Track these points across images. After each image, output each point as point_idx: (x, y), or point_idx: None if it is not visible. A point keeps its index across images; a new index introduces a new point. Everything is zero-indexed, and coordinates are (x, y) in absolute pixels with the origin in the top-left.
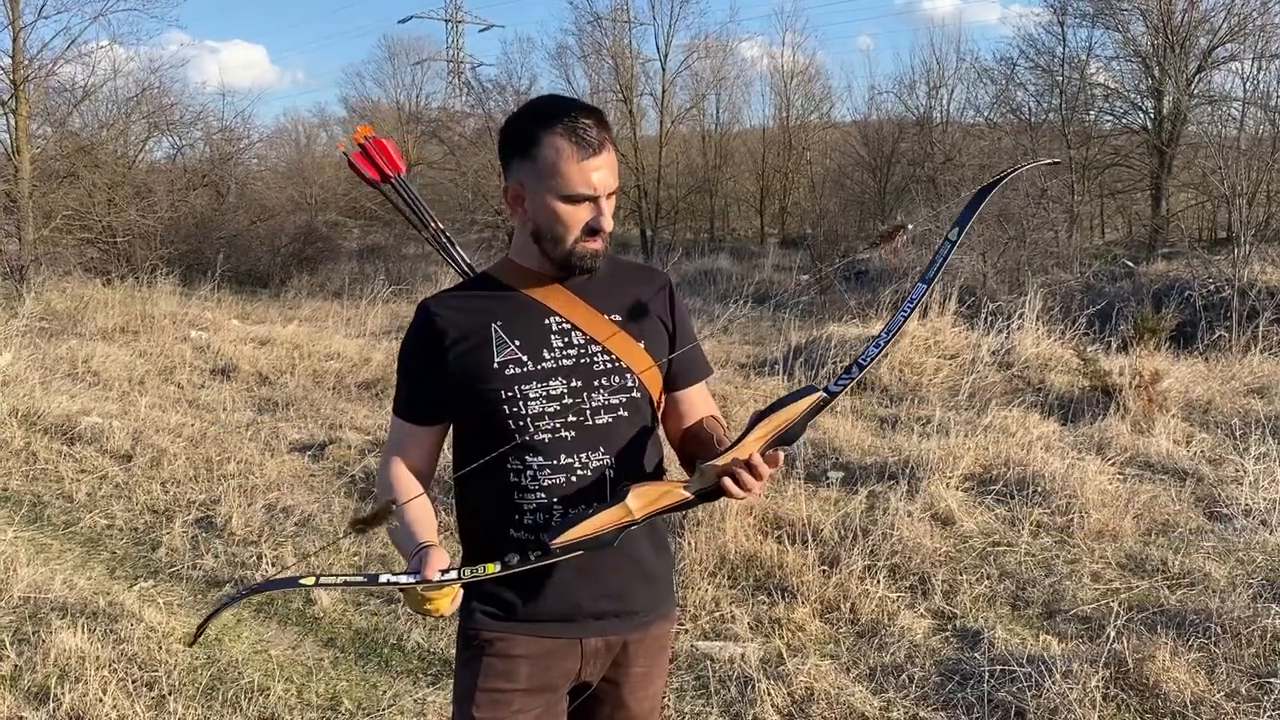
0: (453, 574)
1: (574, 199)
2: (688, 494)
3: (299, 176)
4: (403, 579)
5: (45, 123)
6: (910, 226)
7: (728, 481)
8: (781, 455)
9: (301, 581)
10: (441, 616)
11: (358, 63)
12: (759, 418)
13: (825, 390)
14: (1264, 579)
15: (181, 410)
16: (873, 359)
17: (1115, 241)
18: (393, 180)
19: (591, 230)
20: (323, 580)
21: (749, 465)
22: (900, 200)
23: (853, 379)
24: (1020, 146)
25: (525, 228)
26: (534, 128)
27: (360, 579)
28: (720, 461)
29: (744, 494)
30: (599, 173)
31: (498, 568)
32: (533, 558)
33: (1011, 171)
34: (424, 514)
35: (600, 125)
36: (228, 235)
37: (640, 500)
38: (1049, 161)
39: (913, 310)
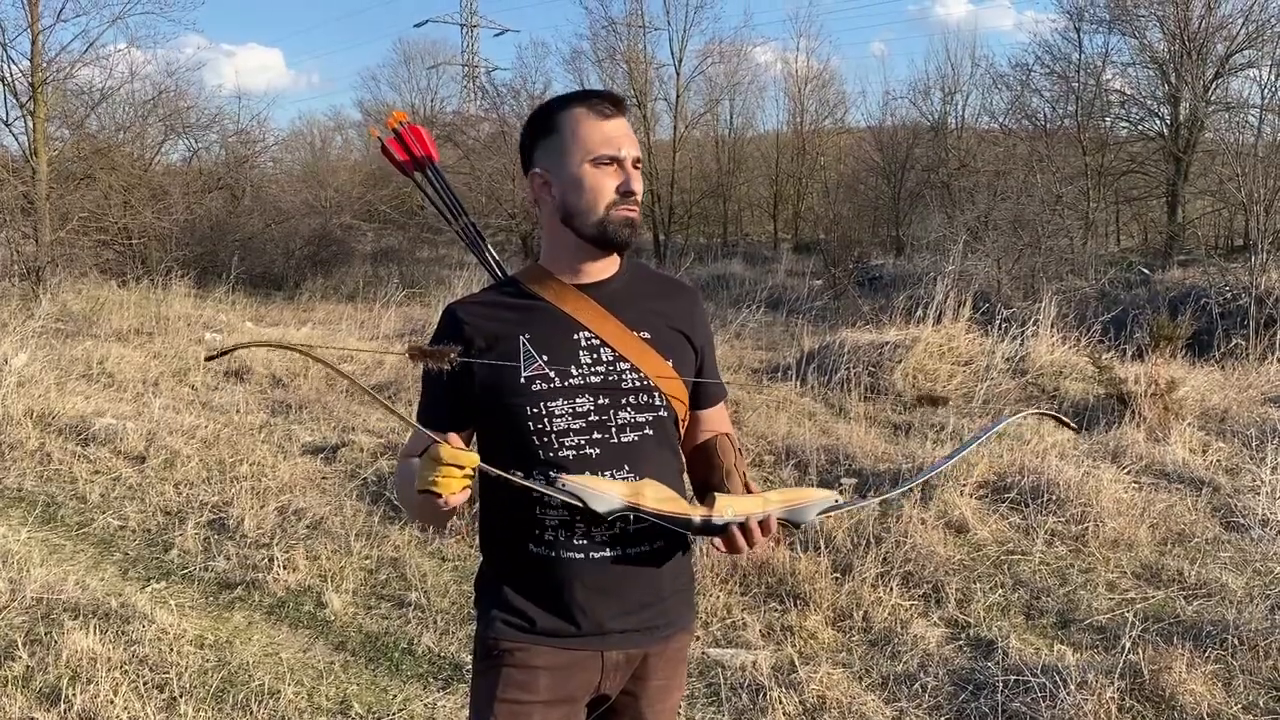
0: (477, 457)
1: (599, 160)
2: (696, 520)
3: (314, 180)
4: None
5: (63, 125)
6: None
7: (736, 530)
8: (776, 527)
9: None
10: (445, 504)
11: (373, 66)
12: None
13: (836, 502)
14: None
15: (195, 412)
16: (882, 498)
17: (1131, 249)
18: (426, 169)
19: (624, 193)
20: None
21: (762, 524)
22: (914, 206)
23: (859, 505)
24: (1035, 153)
25: (554, 219)
26: (553, 110)
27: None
28: (741, 506)
29: (743, 548)
30: (620, 135)
31: (519, 477)
32: (542, 482)
33: (1037, 413)
34: None
35: (615, 101)
36: (242, 238)
37: (655, 492)
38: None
39: (928, 475)
